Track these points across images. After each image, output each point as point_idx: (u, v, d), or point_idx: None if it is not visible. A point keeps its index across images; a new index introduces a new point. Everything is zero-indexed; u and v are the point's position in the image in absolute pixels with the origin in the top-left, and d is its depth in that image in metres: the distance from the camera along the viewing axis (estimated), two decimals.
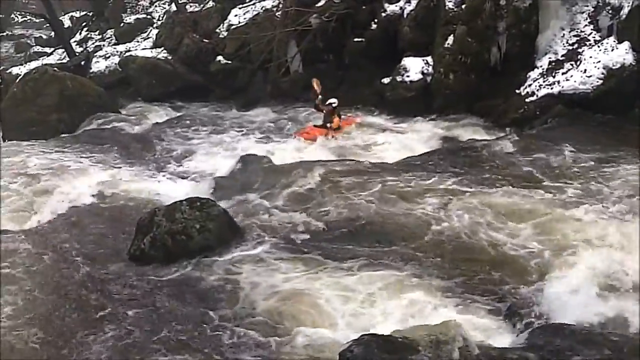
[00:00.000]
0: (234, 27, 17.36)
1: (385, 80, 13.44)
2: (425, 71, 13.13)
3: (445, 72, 12.79)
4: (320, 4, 15.30)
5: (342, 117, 12.57)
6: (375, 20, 14.76)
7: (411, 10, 13.91)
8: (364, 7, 14.94)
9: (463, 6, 12.91)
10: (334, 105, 12.35)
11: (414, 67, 13.23)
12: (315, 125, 12.62)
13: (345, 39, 15.02)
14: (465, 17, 12.77)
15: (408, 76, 13.15)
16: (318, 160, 9.93)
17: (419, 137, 11.80)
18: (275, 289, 6.02)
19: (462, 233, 6.90)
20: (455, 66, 12.70)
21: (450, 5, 13.10)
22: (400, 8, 14.33)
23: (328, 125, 12.23)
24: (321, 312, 5.60)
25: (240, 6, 17.94)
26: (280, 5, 16.57)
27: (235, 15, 17.69)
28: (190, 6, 19.06)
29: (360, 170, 9.00)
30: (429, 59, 13.23)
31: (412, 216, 7.40)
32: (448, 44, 12.83)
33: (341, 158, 10.46)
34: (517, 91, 12.02)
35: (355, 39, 14.88)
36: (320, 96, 12.67)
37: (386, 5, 14.62)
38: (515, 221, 7.03)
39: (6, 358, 5.17)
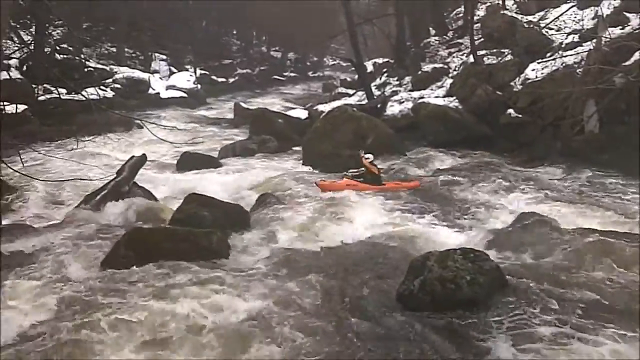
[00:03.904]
0: (529, 81, 17.03)
1: None
2: None
3: None
4: (628, 62, 14.25)
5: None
6: None
7: None
8: None
9: None
10: (368, 159, 13.01)
11: None
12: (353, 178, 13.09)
13: None
14: None
15: None
16: (598, 230, 9.16)
17: None
18: None
19: None
20: None
21: None
22: None
23: (384, 184, 12.99)
24: None
25: (539, 61, 17.54)
26: (583, 62, 15.83)
27: (533, 70, 17.34)
28: (488, 58, 19.15)
29: None
30: None
31: None
32: None
33: (624, 231, 9.49)
34: None
35: None
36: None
37: None
38: None
39: None
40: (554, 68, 16.68)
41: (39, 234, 9.76)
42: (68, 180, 10.99)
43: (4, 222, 10.69)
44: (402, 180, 13.84)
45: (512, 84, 17.73)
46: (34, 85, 20.69)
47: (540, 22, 19.57)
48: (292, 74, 53.76)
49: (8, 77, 18.73)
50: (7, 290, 7.25)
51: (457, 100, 18.34)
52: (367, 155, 13.26)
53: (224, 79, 41.81)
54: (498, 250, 8.66)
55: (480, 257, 7.21)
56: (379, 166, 13.62)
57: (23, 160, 9.88)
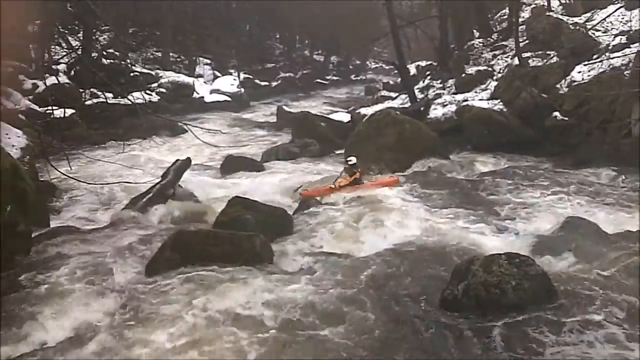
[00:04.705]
0: (575, 83, 16.68)
1: None
2: None
3: None
4: None
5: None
6: None
7: None
8: None
9: None
10: (350, 162, 13.34)
11: None
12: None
13: None
14: None
15: None
16: None
17: None
18: None
19: None
20: None
21: None
22: None
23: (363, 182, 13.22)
24: None
25: (586, 63, 17.16)
26: (631, 64, 15.45)
27: (579, 72, 16.99)
28: (533, 61, 18.82)
29: None
30: None
31: None
32: None
33: None
34: None
35: None
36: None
37: None
38: None
39: None
40: (601, 70, 16.30)
41: (85, 236, 9.98)
42: (114, 183, 11.21)
43: (52, 224, 10.97)
44: (382, 178, 14.10)
45: (557, 86, 17.37)
46: (81, 90, 21.19)
47: (587, 23, 19.14)
48: (335, 78, 53.63)
49: (56, 81, 19.23)
50: (56, 290, 7.44)
51: (501, 103, 18.04)
52: (349, 158, 13.54)
53: (267, 83, 42.05)
54: (544, 255, 8.50)
55: (526, 262, 7.09)
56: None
57: (70, 163, 10.10)
